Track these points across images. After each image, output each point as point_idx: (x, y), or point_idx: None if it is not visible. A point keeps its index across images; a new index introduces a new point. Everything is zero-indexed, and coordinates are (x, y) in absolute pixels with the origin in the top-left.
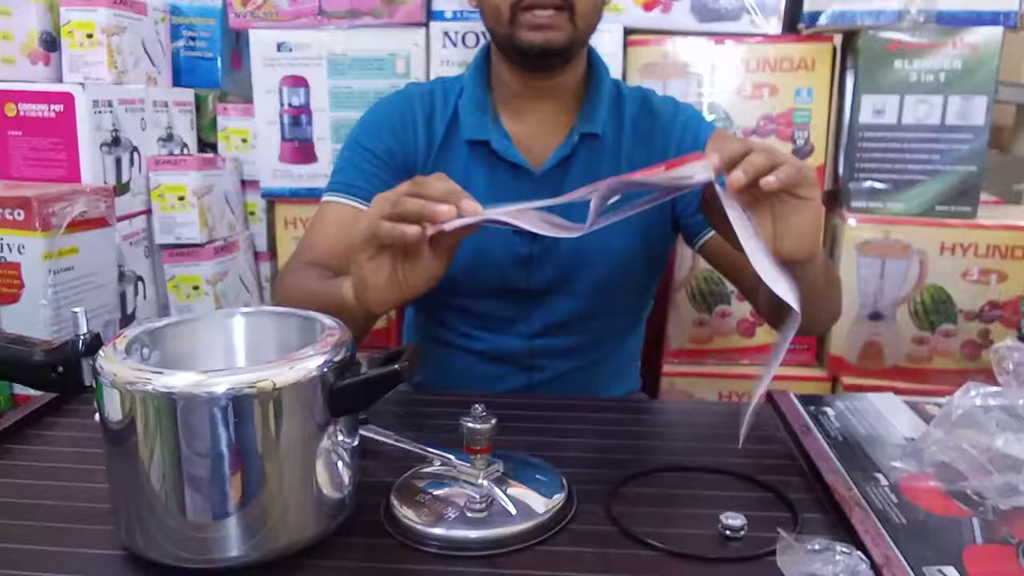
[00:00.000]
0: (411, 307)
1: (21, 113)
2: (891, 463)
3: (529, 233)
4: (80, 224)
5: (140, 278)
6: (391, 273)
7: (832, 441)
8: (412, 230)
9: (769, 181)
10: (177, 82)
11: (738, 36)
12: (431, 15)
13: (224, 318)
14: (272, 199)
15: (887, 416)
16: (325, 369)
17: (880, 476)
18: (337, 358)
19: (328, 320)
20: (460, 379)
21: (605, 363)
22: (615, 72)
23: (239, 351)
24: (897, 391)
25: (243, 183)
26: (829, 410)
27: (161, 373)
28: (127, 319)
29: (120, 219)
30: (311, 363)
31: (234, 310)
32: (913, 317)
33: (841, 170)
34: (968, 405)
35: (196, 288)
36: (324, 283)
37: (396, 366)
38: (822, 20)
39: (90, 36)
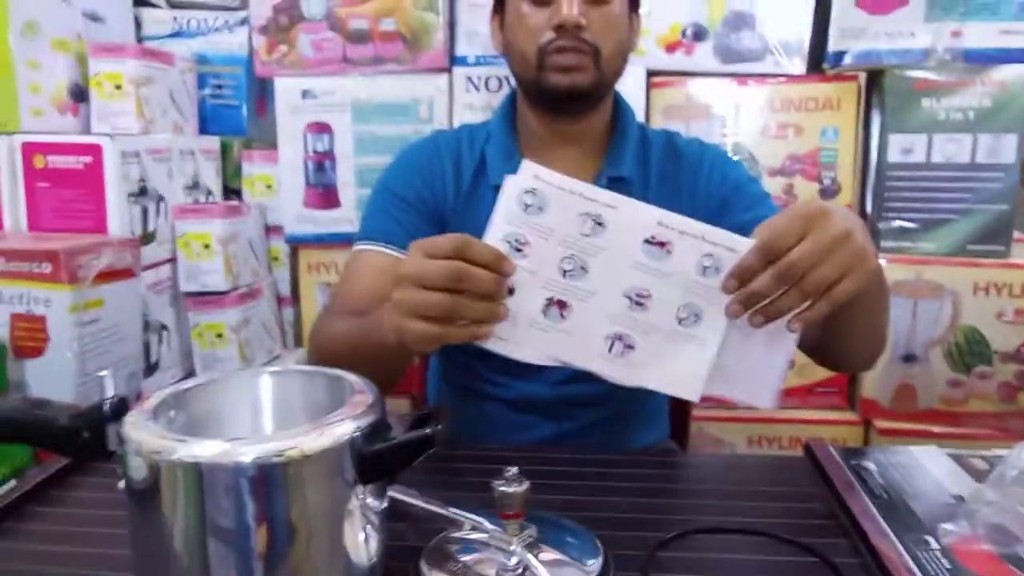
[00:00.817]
0: (435, 353)
1: (50, 165)
2: (941, 524)
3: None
4: (106, 275)
5: (164, 327)
6: (436, 328)
7: (877, 499)
8: (468, 333)
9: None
10: (203, 129)
11: (761, 77)
12: (454, 60)
13: (251, 378)
14: (296, 244)
15: (932, 471)
16: (355, 434)
17: (930, 539)
18: (367, 422)
19: (356, 380)
20: (486, 429)
21: (633, 411)
22: (638, 114)
23: (266, 413)
24: (932, 435)
25: (267, 228)
26: (870, 464)
27: (187, 441)
28: (151, 368)
29: (145, 268)
30: (340, 428)
31: (261, 370)
32: (947, 359)
33: (869, 209)
34: (1023, 465)
35: (220, 336)
36: (359, 322)
37: (428, 431)
38: (847, 60)
39: (118, 87)
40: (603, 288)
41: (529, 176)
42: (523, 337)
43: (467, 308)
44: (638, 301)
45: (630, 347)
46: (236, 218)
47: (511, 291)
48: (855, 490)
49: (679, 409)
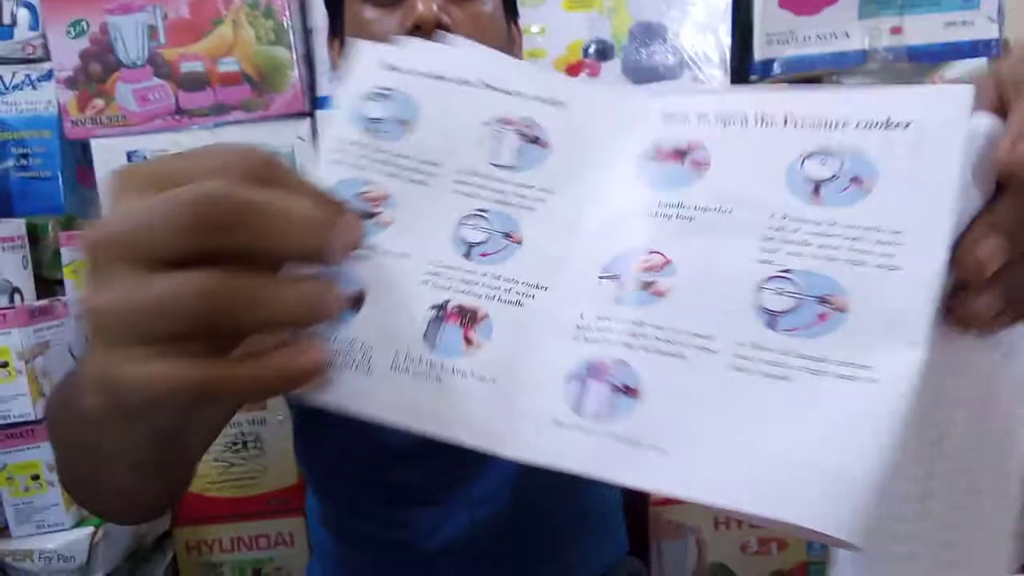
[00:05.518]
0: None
1: None
2: None
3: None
4: None
5: None
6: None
7: None
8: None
9: None
10: (8, 211)
11: None
12: (315, 103)
13: None
14: None
15: None
16: None
17: None
18: None
19: None
20: None
21: (584, 524)
22: None
23: None
24: None
25: None
26: None
27: None
28: None
29: None
30: None
31: None
32: None
33: None
34: None
35: (36, 478)
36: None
37: None
38: (776, 69)
39: None
40: (552, 273)
41: (372, 66)
42: (375, 386)
43: (272, 295)
44: (645, 281)
45: (626, 390)
46: (46, 322)
47: (357, 301)
48: None
49: (636, 501)
